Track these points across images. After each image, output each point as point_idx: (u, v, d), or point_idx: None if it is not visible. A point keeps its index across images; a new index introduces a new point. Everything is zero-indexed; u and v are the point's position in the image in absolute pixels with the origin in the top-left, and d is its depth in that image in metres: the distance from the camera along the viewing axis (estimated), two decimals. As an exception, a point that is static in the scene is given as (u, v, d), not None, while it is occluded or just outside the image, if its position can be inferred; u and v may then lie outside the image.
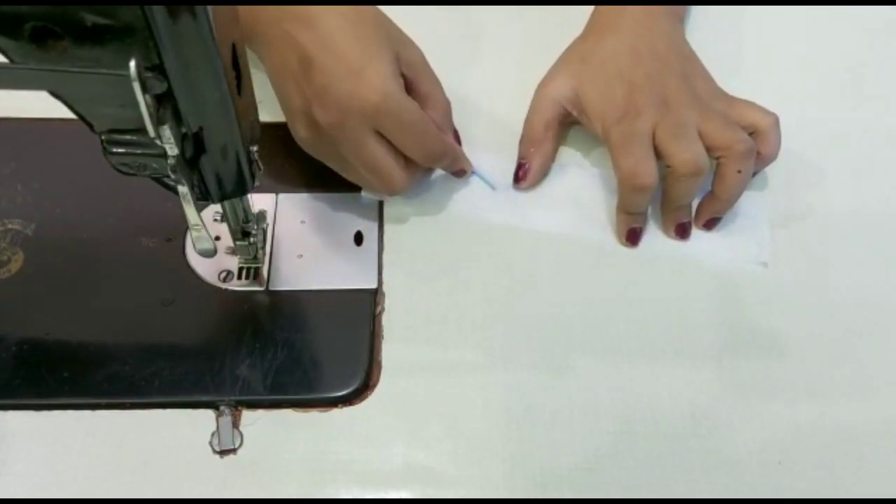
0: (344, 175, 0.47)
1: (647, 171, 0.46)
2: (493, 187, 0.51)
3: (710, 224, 0.50)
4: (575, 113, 0.51)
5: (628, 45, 0.50)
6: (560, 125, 0.52)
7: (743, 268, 0.49)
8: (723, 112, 0.49)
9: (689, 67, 0.51)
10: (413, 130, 0.44)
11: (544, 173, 0.52)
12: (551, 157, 0.52)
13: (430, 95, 0.47)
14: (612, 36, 0.51)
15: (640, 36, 0.51)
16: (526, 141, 0.52)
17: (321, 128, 0.43)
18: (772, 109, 0.55)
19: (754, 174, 0.50)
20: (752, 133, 0.48)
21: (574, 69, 0.51)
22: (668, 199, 0.49)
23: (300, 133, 0.46)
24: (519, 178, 0.51)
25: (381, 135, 0.43)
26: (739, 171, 0.47)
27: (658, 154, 0.47)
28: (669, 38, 0.52)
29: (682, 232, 0.50)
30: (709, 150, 0.47)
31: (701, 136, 0.47)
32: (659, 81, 0.49)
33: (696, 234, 0.50)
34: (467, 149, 0.51)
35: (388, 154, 0.44)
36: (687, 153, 0.46)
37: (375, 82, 0.42)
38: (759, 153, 0.48)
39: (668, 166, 0.47)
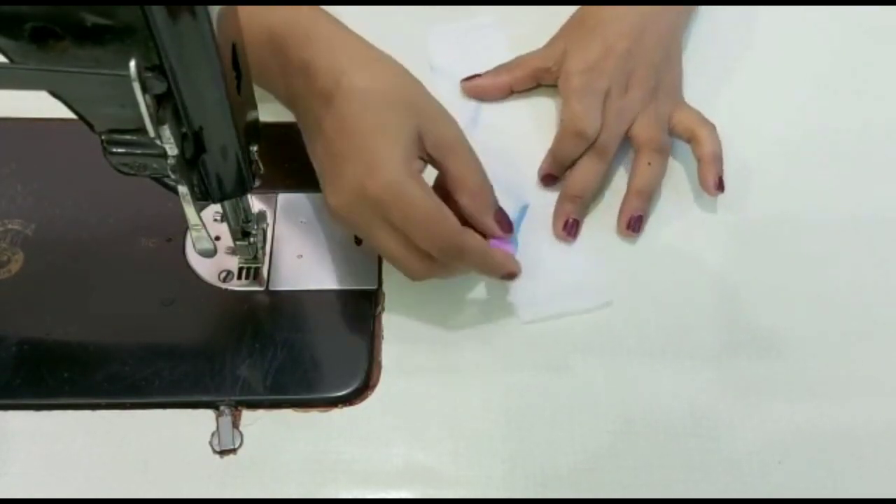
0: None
1: (592, 121, 0.49)
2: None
3: (633, 224, 0.49)
4: (555, 70, 0.53)
5: (627, 16, 0.52)
6: (533, 77, 0.54)
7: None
8: (665, 113, 0.51)
9: (665, 63, 0.53)
10: (421, 224, 0.40)
11: (492, 95, 0.54)
12: (506, 89, 0.54)
13: (461, 179, 0.43)
14: (615, 7, 0.53)
15: (640, 13, 0.52)
16: (502, 65, 0.54)
17: (329, 207, 0.42)
18: (772, 109, 0.56)
19: (720, 184, 0.50)
20: (691, 139, 0.51)
21: (569, 32, 0.54)
22: (568, 182, 0.50)
23: (325, 198, 0.43)
24: (471, 78, 0.54)
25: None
26: (649, 164, 0.50)
27: None
28: (666, 27, 0.53)
29: (569, 231, 0.49)
30: (632, 141, 0.51)
31: (632, 127, 0.50)
32: (633, 61, 0.51)
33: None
34: (488, 152, 0.46)
35: (400, 244, 0.41)
36: (605, 133, 0.49)
37: (381, 170, 0.39)
38: (698, 157, 0.50)
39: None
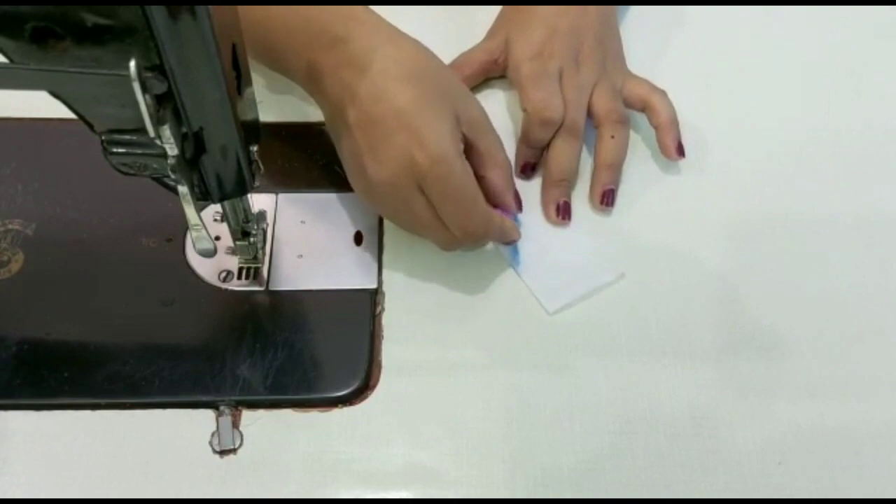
0: (405, 228, 0.46)
1: (556, 106, 0.49)
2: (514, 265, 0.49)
3: (605, 198, 0.49)
4: (501, 60, 0.53)
5: (564, 6, 0.52)
6: (482, 72, 0.54)
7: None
8: (616, 83, 0.52)
9: (608, 33, 0.53)
10: (458, 201, 0.42)
11: None
12: None
13: (489, 154, 0.45)
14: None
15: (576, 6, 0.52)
16: (450, 65, 0.53)
17: (370, 181, 0.42)
18: (772, 109, 0.56)
19: (680, 149, 0.51)
20: (645, 108, 0.51)
21: (507, 19, 0.54)
22: (548, 168, 0.50)
23: (356, 182, 0.44)
24: None
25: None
26: (612, 137, 0.50)
27: None
28: (601, 7, 0.53)
29: (562, 214, 0.49)
30: (592, 115, 0.51)
31: (590, 100, 0.51)
32: (578, 36, 0.51)
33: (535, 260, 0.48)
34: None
35: (434, 216, 0.42)
36: (570, 113, 0.49)
37: (430, 142, 0.40)
38: (654, 125, 0.51)
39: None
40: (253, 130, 0.38)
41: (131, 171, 0.35)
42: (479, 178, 0.44)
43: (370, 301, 0.46)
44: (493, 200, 0.45)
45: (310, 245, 0.48)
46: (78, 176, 0.49)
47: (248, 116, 0.37)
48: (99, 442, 0.41)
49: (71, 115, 0.32)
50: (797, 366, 0.46)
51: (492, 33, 0.55)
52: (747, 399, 0.44)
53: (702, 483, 0.42)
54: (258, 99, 0.39)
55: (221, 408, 0.42)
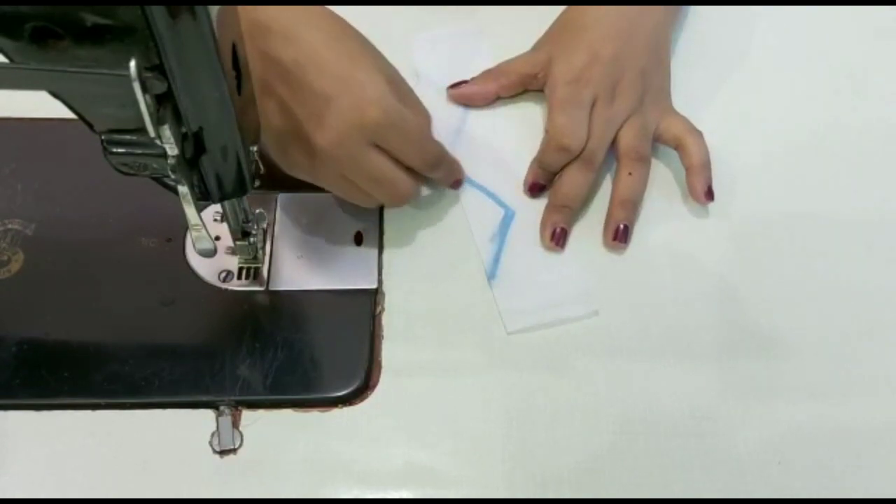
0: (344, 196, 0.46)
1: (576, 135, 0.49)
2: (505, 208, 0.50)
3: (620, 235, 0.49)
4: (541, 76, 0.53)
5: (612, 18, 0.51)
6: (520, 83, 0.54)
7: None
8: (651, 121, 0.51)
9: (654, 66, 0.52)
10: (414, 139, 0.43)
11: (478, 102, 0.54)
12: (492, 96, 0.54)
13: (414, 105, 0.46)
14: (599, 7, 0.52)
15: (626, 15, 0.52)
16: (488, 72, 0.54)
17: (318, 149, 0.41)
18: (772, 109, 0.56)
19: (708, 194, 0.50)
20: (678, 147, 0.51)
21: (555, 36, 0.54)
22: (554, 190, 0.50)
23: (294, 158, 0.43)
24: (457, 84, 0.54)
25: (379, 147, 0.42)
26: (630, 174, 0.49)
27: None
28: (653, 28, 0.52)
29: (557, 238, 0.49)
30: (614, 149, 0.50)
31: (617, 133, 0.50)
32: (619, 66, 0.50)
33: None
34: (475, 160, 0.51)
35: (390, 164, 0.43)
36: (591, 143, 0.49)
37: (374, 96, 0.41)
38: (686, 166, 0.50)
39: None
40: (253, 130, 0.38)
41: (131, 171, 0.35)
42: None
43: (370, 301, 0.46)
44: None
45: (310, 245, 0.48)
46: (78, 176, 0.49)
47: (248, 116, 0.37)
48: (99, 442, 0.42)
49: (71, 115, 0.32)
50: (797, 366, 0.46)
51: (537, 47, 0.54)
52: (747, 399, 0.44)
53: (702, 483, 0.42)
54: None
55: (221, 408, 0.42)
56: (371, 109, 0.41)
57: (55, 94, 0.31)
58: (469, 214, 0.50)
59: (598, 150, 0.49)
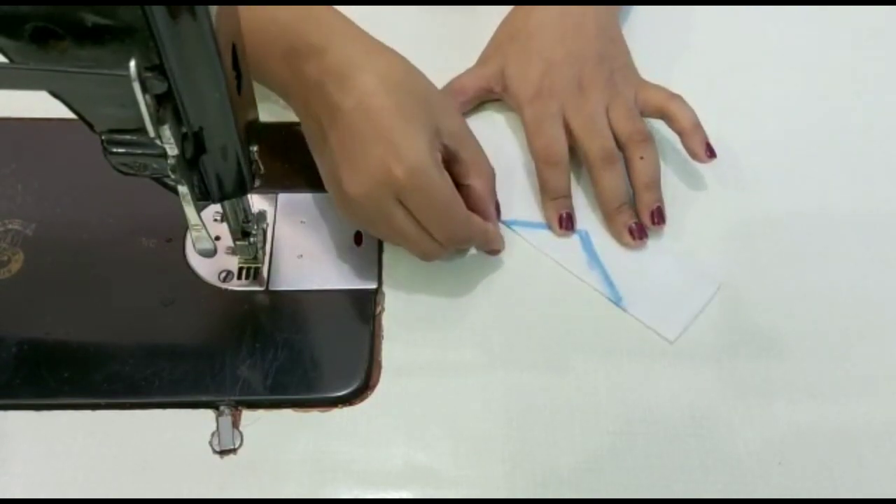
0: (383, 239, 0.47)
1: (559, 150, 0.49)
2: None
3: (655, 217, 0.48)
4: (498, 90, 0.53)
5: (555, 19, 0.51)
6: (477, 98, 0.53)
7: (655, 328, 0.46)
8: (630, 97, 0.50)
9: (611, 48, 0.52)
10: (438, 209, 0.42)
11: None
12: None
13: (473, 163, 0.45)
14: (540, 10, 0.52)
15: (568, 12, 0.51)
16: (445, 90, 0.52)
17: (348, 194, 0.41)
18: (772, 109, 0.56)
19: (710, 151, 0.49)
20: (663, 116, 0.50)
21: (503, 47, 0.53)
22: (602, 200, 0.49)
23: (334, 195, 0.44)
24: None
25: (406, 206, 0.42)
26: (642, 158, 0.49)
27: (571, 141, 0.49)
28: (598, 15, 0.52)
29: (636, 235, 0.48)
30: (615, 137, 0.49)
31: (609, 122, 0.49)
32: (577, 62, 0.50)
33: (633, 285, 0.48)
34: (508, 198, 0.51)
35: (415, 227, 0.42)
36: (597, 142, 0.49)
37: (408, 154, 0.40)
38: (677, 131, 0.50)
39: (585, 157, 0.49)
40: (253, 130, 0.38)
41: (131, 171, 0.35)
42: (463, 188, 0.45)
43: (370, 301, 0.46)
44: (475, 208, 0.45)
45: (310, 245, 0.48)
46: (78, 176, 0.49)
47: (248, 116, 0.37)
48: (99, 442, 0.41)
49: (71, 115, 0.32)
50: (797, 366, 0.46)
51: (485, 59, 0.54)
52: (747, 399, 0.44)
53: (702, 483, 0.42)
54: (258, 99, 0.39)
55: (221, 408, 0.42)
56: (398, 168, 0.40)
57: (55, 94, 0.31)
58: (552, 254, 0.49)
59: (606, 142, 0.49)
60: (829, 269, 0.49)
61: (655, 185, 0.49)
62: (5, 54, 0.29)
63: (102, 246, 0.47)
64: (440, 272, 0.48)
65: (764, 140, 0.54)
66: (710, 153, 0.49)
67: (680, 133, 0.50)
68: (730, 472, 0.42)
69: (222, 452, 0.42)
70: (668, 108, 0.50)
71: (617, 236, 0.49)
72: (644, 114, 0.51)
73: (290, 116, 0.49)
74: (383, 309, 0.46)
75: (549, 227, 0.49)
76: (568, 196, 0.50)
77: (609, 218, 0.49)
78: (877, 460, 0.43)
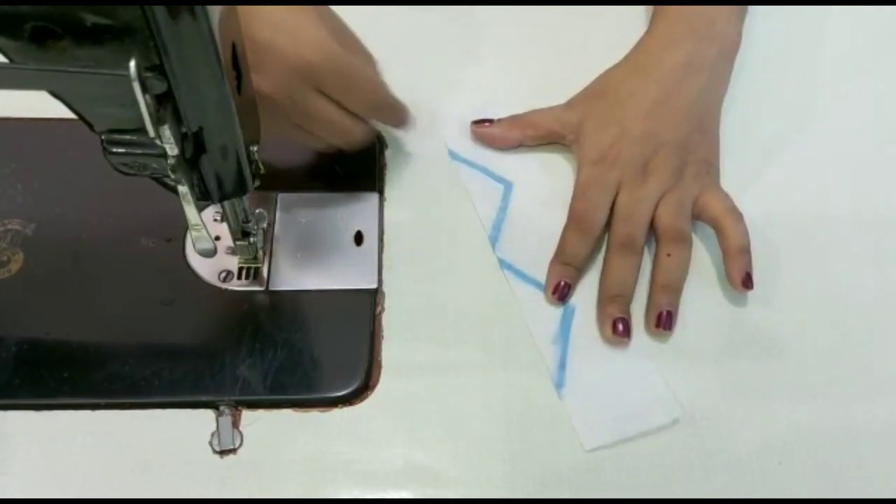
0: (301, 142, 0.46)
1: (594, 219, 0.48)
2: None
3: (663, 321, 0.45)
4: (570, 139, 0.52)
5: (647, 92, 0.50)
6: (546, 138, 0.53)
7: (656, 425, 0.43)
8: (689, 196, 0.48)
9: (694, 136, 0.49)
10: (358, 81, 0.43)
11: (499, 145, 0.53)
12: (514, 144, 0.53)
13: (359, 51, 0.46)
14: (639, 78, 0.51)
15: (663, 86, 0.50)
16: (516, 119, 0.52)
17: (262, 97, 0.40)
18: (772, 109, 0.55)
19: (746, 282, 0.46)
20: (716, 228, 0.48)
21: (591, 100, 0.52)
22: (603, 283, 0.47)
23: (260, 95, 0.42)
24: (482, 122, 0.53)
25: (321, 91, 0.42)
26: (669, 255, 0.47)
27: (610, 217, 0.48)
28: (696, 97, 0.50)
29: (617, 332, 0.45)
30: (653, 229, 0.48)
31: (655, 212, 0.48)
32: (651, 144, 0.49)
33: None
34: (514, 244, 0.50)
35: (334, 107, 0.43)
36: (625, 226, 0.47)
37: (312, 39, 0.41)
38: (723, 249, 0.47)
39: (608, 236, 0.48)
40: (253, 130, 0.38)
41: (131, 171, 0.35)
42: None
43: (370, 301, 0.46)
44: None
45: (310, 245, 0.48)
46: (78, 176, 0.49)
47: (248, 116, 0.37)
48: (99, 442, 0.41)
49: (71, 115, 0.32)
50: (797, 366, 0.46)
51: (571, 105, 0.52)
52: (747, 399, 0.44)
53: (702, 483, 0.42)
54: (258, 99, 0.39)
55: (221, 408, 0.42)
56: (308, 52, 0.41)
57: (55, 94, 0.31)
58: (525, 312, 0.46)
59: (635, 231, 0.47)
60: (830, 269, 0.49)
61: (674, 288, 0.47)
62: (5, 54, 0.29)
63: (102, 246, 0.47)
64: (440, 272, 0.48)
65: (764, 140, 0.54)
66: (748, 285, 0.46)
67: (724, 252, 0.47)
68: (730, 472, 0.42)
69: (222, 452, 0.42)
70: (722, 222, 0.48)
71: (600, 325, 0.46)
72: (699, 218, 0.49)
73: (290, 116, 0.48)
74: (383, 309, 0.46)
75: (543, 288, 0.47)
76: (578, 269, 0.47)
77: (601, 304, 0.47)
78: (877, 460, 0.43)
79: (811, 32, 0.60)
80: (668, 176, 0.48)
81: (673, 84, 0.50)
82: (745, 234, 0.47)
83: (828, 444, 0.43)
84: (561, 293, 0.47)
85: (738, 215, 0.48)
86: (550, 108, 0.53)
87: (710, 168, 0.50)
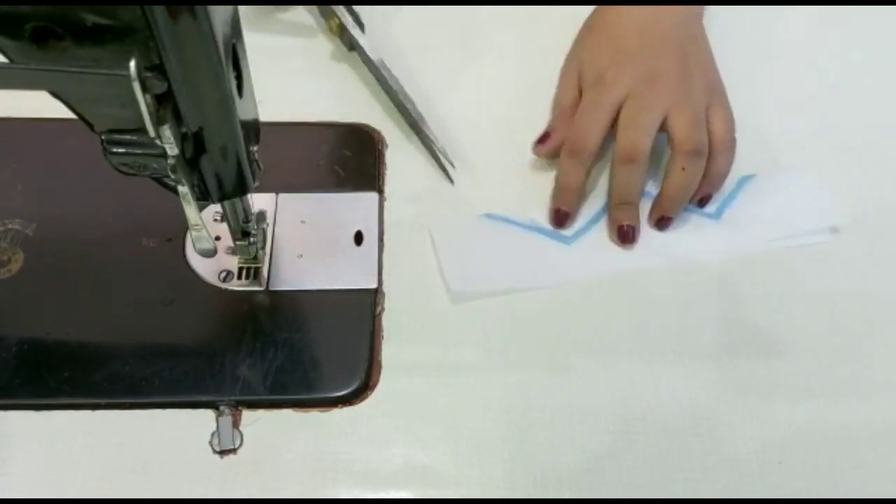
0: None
1: (586, 144, 0.48)
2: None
3: (661, 223, 0.49)
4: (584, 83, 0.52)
5: (636, 16, 0.51)
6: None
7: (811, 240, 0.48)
8: (701, 105, 0.48)
9: (693, 49, 0.50)
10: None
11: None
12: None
13: None
14: (618, 11, 0.52)
15: (651, 11, 0.51)
16: (559, 115, 0.52)
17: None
18: (773, 109, 0.55)
19: (703, 201, 0.50)
20: (710, 148, 0.48)
21: (583, 38, 0.53)
22: (610, 192, 0.49)
23: None
24: (541, 141, 0.51)
25: None
26: (683, 169, 0.47)
27: (612, 130, 0.49)
28: (682, 18, 0.51)
29: (624, 237, 0.48)
30: (668, 141, 0.48)
31: (666, 122, 0.47)
32: (652, 55, 0.49)
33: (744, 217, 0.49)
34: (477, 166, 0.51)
35: None
36: (629, 135, 0.47)
37: None
38: (706, 170, 0.48)
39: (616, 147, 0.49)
40: (253, 130, 0.38)
41: (131, 171, 0.35)
42: None
43: (370, 301, 0.46)
44: None
45: (310, 245, 0.48)
46: (78, 176, 0.49)
47: (248, 116, 0.37)
48: (99, 442, 0.41)
49: (71, 115, 0.32)
50: (797, 366, 0.46)
51: (567, 61, 0.53)
52: (747, 399, 0.44)
53: (702, 483, 0.42)
54: (258, 99, 0.39)
55: (221, 408, 0.42)
56: None
57: (55, 94, 0.31)
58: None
59: (640, 140, 0.47)
60: (830, 270, 0.49)
61: (680, 200, 0.48)
62: (5, 54, 0.29)
63: (102, 246, 0.47)
64: (440, 272, 0.48)
65: (763, 139, 0.54)
66: (701, 204, 0.49)
67: (704, 175, 0.48)
68: (730, 472, 0.42)
69: (222, 452, 0.42)
70: (716, 145, 0.48)
71: (609, 230, 0.49)
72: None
73: (290, 116, 0.49)
74: (383, 309, 0.46)
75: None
76: (577, 193, 0.49)
77: (610, 209, 0.49)
78: (877, 460, 0.43)
79: (811, 32, 0.60)
80: (677, 83, 0.48)
81: (651, 12, 0.51)
82: (729, 166, 0.49)
83: (828, 444, 0.43)
84: (560, 220, 0.48)
85: (730, 146, 0.49)
86: (560, 83, 0.53)
87: (711, 78, 0.51)
